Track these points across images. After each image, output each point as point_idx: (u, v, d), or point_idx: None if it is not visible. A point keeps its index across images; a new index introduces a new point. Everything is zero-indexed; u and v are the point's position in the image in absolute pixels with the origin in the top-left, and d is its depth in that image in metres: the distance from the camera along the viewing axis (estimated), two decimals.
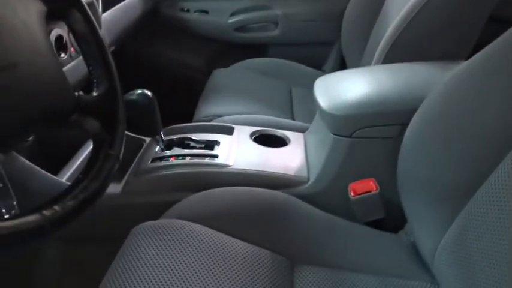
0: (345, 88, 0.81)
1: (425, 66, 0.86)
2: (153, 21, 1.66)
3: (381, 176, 0.77)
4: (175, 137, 0.92)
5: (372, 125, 0.75)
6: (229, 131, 0.95)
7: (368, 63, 1.20)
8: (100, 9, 1.02)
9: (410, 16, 0.93)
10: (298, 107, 1.28)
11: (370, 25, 1.29)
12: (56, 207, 0.38)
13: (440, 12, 0.91)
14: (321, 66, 1.66)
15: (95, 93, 0.53)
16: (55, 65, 0.48)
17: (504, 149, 0.52)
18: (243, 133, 0.95)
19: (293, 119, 1.21)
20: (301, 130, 1.02)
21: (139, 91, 0.82)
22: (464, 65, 0.63)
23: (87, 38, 0.57)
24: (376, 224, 0.77)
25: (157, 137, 0.86)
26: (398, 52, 0.93)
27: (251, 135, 0.94)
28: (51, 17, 0.53)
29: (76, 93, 0.51)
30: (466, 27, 0.94)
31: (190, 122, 1.15)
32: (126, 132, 0.93)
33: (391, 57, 0.94)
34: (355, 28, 1.37)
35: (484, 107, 0.56)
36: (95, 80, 0.55)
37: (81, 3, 0.56)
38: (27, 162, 0.78)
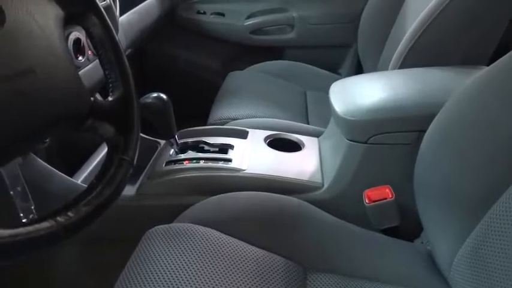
0: (360, 93, 0.80)
1: (444, 71, 0.84)
2: (169, 23, 1.67)
3: (396, 183, 0.75)
4: (189, 140, 0.92)
5: (388, 131, 0.74)
6: (243, 134, 0.95)
7: (385, 68, 1.18)
8: (117, 13, 1.03)
9: (430, 19, 0.91)
10: (313, 111, 1.27)
11: (388, 28, 1.28)
12: (69, 214, 0.38)
13: (460, 15, 0.89)
14: (337, 69, 1.65)
15: (110, 98, 0.54)
16: (71, 70, 0.48)
17: None
18: (257, 137, 0.94)
19: (308, 122, 1.20)
20: (316, 134, 1.01)
21: (155, 94, 0.83)
22: (485, 71, 0.61)
23: (104, 42, 0.57)
24: (392, 232, 0.76)
25: (172, 140, 0.87)
26: (416, 56, 0.92)
27: (265, 139, 0.94)
28: (69, 21, 0.54)
29: (92, 98, 0.52)
30: (487, 30, 0.91)
31: (205, 123, 1.15)
32: (141, 135, 0.94)
33: (408, 61, 0.92)
34: (372, 31, 1.35)
35: (506, 116, 0.54)
36: (110, 85, 0.56)
37: (98, 8, 0.56)
38: (44, 164, 0.79)
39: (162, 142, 0.96)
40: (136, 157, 0.52)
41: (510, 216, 0.49)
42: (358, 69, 1.61)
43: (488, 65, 0.74)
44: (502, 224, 0.51)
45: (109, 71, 0.55)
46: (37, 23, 0.45)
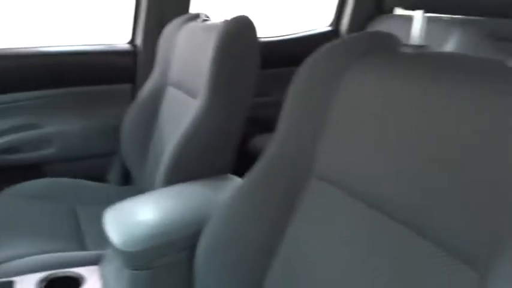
0: (133, 222, 0.84)
1: (204, 185, 0.98)
2: None
3: None
4: None
5: (164, 254, 0.80)
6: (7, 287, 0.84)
7: (152, 179, 1.28)
8: None
9: (184, 140, 1.06)
10: (88, 230, 1.22)
11: (148, 135, 1.40)
12: None
13: (208, 134, 1.08)
14: (105, 178, 1.65)
15: None
16: None
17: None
18: (26, 285, 0.85)
19: (85, 246, 1.15)
20: (96, 260, 0.98)
21: None
22: (237, 189, 0.75)
23: None
24: None
25: None
26: (178, 172, 1.04)
27: (38, 284, 0.85)
28: None
29: None
30: (232, 142, 1.13)
31: None
32: None
33: (172, 177, 1.04)
34: (133, 139, 1.44)
35: (252, 227, 0.69)
36: None
37: None
38: None
39: None
40: None
41: None
42: (126, 175, 1.66)
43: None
44: None
45: None
46: None
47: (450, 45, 1.46)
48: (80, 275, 0.91)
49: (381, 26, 1.77)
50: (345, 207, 0.60)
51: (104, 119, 1.59)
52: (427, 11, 0.58)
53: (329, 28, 1.93)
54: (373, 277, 0.53)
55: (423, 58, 0.57)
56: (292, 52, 1.85)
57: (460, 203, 0.46)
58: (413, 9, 0.59)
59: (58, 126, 1.53)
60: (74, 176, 1.48)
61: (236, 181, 1.01)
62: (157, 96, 1.39)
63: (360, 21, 1.84)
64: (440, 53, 0.60)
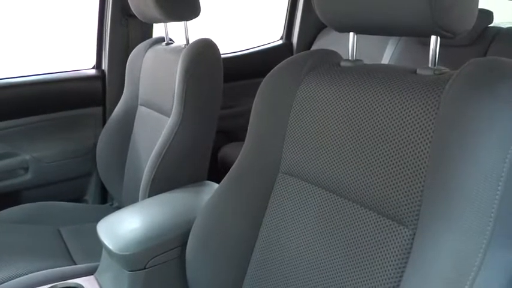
0: (127, 228, 0.94)
1: (185, 192, 1.09)
2: None
3: None
4: None
5: (159, 253, 0.91)
6: None
7: (130, 196, 1.37)
8: None
9: (162, 154, 1.17)
10: (74, 247, 1.30)
11: (123, 156, 1.49)
12: None
13: (182, 145, 1.19)
14: (82, 198, 1.72)
15: None
16: None
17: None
18: None
19: (73, 259, 1.22)
20: (88, 271, 1.06)
21: None
22: (217, 190, 0.87)
23: None
24: None
25: None
26: (160, 183, 1.15)
27: None
28: None
29: None
30: (204, 150, 1.25)
31: None
32: None
33: (154, 189, 1.14)
34: (109, 160, 1.53)
35: (232, 221, 0.81)
36: None
37: None
38: None
39: None
40: None
41: None
42: (104, 193, 1.74)
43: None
44: None
45: None
46: None
47: (389, 50, 1.65)
48: (80, 285, 0.99)
49: (328, 37, 1.95)
50: (307, 193, 0.74)
51: (78, 142, 1.66)
52: (357, 32, 0.73)
53: (281, 41, 2.10)
54: (332, 246, 0.67)
55: (357, 70, 0.73)
56: (251, 65, 2.01)
57: (391, 180, 0.61)
58: (343, 31, 0.73)
59: (34, 153, 1.58)
60: (53, 199, 1.55)
61: (214, 186, 1.13)
62: (129, 116, 1.49)
63: (308, 33, 2.02)
64: (369, 65, 0.75)
